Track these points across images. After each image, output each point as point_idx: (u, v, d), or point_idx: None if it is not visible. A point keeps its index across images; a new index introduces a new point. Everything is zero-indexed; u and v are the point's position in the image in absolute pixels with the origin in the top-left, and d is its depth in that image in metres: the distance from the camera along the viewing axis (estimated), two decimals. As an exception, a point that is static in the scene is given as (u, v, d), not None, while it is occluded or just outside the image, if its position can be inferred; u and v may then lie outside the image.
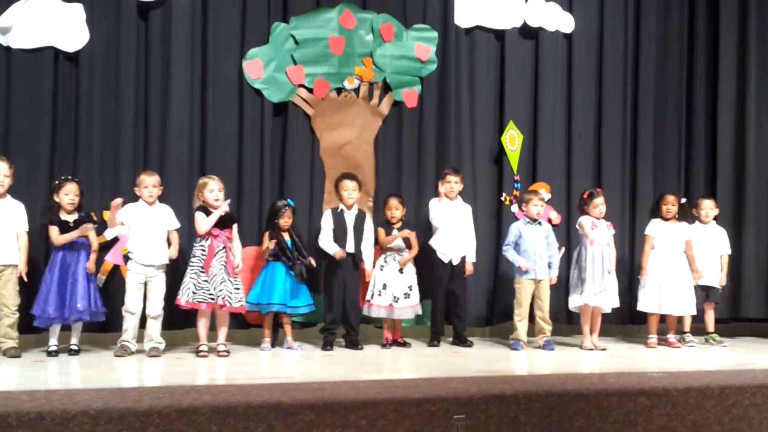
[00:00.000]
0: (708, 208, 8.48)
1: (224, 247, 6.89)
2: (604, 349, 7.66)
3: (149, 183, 6.91)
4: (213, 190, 6.94)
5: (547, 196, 8.50)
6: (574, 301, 7.88)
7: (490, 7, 8.69)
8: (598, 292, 7.70)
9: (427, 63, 8.49)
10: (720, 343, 8.24)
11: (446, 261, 7.79)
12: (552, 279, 7.82)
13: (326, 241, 7.48)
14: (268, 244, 7.24)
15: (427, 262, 7.86)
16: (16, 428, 3.91)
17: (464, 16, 8.64)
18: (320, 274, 7.70)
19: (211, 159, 7.69)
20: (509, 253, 7.75)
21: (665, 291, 8.04)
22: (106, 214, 7.21)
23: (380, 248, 7.76)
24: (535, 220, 7.80)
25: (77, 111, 7.37)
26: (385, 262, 7.64)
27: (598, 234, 7.78)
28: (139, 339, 6.85)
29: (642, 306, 8.14)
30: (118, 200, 6.74)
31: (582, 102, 8.98)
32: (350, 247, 7.49)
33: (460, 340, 7.83)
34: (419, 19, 8.53)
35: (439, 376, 5.77)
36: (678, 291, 8.03)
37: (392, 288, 7.57)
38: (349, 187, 7.54)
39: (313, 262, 7.39)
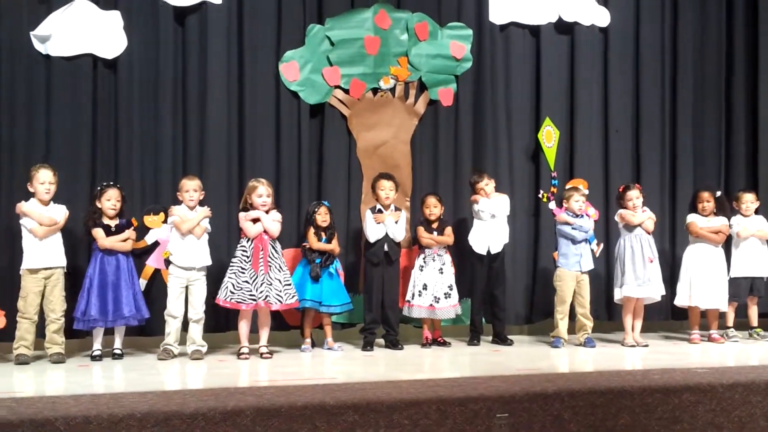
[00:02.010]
0: (749, 201, 8.38)
1: (265, 247, 6.94)
2: (646, 346, 7.61)
3: (190, 187, 6.97)
4: (261, 195, 7.00)
5: (585, 192, 8.42)
6: (617, 294, 7.85)
7: (524, 3, 8.66)
8: (641, 283, 7.66)
9: (463, 61, 8.48)
10: (764, 337, 8.16)
11: (483, 252, 7.77)
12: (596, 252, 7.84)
13: (371, 232, 7.47)
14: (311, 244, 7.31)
15: (465, 261, 7.84)
16: (64, 433, 3.96)
17: (499, 13, 8.61)
18: (359, 274, 7.71)
19: (250, 162, 7.74)
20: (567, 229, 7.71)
21: (697, 285, 7.97)
22: (147, 220, 7.32)
23: (418, 248, 7.76)
24: (577, 216, 7.75)
25: (117, 117, 7.46)
26: (425, 262, 7.64)
27: (641, 214, 7.76)
28: (182, 342, 6.92)
29: (676, 301, 8.10)
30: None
31: (619, 97, 8.92)
32: (387, 246, 7.50)
33: (500, 339, 7.81)
34: (454, 18, 8.51)
35: (480, 375, 5.76)
36: (709, 285, 7.96)
37: (432, 288, 7.57)
38: (386, 187, 7.55)
39: (335, 249, 7.41)
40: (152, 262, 7.37)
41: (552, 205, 8.47)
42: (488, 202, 7.74)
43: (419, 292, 7.58)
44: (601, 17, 8.87)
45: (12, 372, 6.20)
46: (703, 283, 7.96)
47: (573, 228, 7.67)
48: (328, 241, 7.38)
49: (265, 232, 6.96)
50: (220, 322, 7.29)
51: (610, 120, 8.88)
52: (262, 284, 6.84)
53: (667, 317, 8.63)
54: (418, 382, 5.09)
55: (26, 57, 7.19)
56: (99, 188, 6.92)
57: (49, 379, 5.95)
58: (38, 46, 7.21)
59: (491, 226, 7.78)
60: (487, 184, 7.80)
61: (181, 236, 6.89)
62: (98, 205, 6.84)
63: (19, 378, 5.98)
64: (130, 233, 6.92)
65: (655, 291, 7.79)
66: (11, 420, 3.94)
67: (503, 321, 7.92)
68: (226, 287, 6.86)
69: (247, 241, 6.94)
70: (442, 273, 7.63)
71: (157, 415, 4.11)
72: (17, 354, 6.49)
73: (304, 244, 7.38)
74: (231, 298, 6.82)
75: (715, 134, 9.20)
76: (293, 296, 7.02)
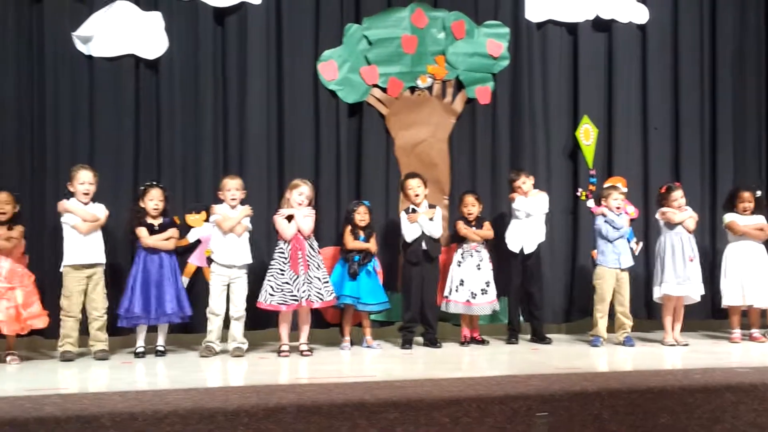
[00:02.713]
0: (787, 199, 8.28)
1: (303, 246, 6.99)
2: (687, 345, 7.56)
3: (232, 186, 7.05)
4: (302, 193, 7.08)
5: (624, 190, 8.38)
6: (657, 292, 7.81)
7: (561, 1, 8.62)
8: (681, 281, 7.62)
9: (500, 59, 8.47)
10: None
11: (516, 251, 7.77)
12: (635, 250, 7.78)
13: (408, 231, 7.48)
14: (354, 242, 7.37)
15: (502, 259, 7.84)
16: (109, 429, 4.01)
17: (535, 11, 8.58)
18: (398, 273, 7.74)
19: (289, 161, 7.80)
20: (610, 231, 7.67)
21: (747, 283, 7.88)
22: (189, 218, 7.41)
23: (456, 244, 7.78)
24: (616, 214, 7.71)
25: (158, 117, 7.55)
26: (463, 258, 7.65)
27: (683, 213, 7.72)
28: (223, 339, 6.99)
29: (726, 301, 7.99)
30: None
31: (657, 94, 8.85)
32: (425, 245, 7.51)
33: (539, 338, 7.80)
34: (490, 16, 8.50)
35: (519, 373, 5.76)
36: (757, 282, 7.87)
37: (469, 284, 7.57)
38: (413, 186, 7.55)
39: (372, 247, 7.45)
40: (194, 260, 7.45)
41: (590, 203, 8.42)
42: (524, 200, 7.74)
43: (456, 287, 7.59)
44: (639, 14, 8.80)
45: (57, 369, 6.32)
46: (752, 280, 7.87)
47: (605, 221, 7.62)
48: (367, 239, 7.42)
49: (298, 230, 7.01)
50: (261, 320, 7.34)
51: (649, 117, 8.81)
52: (303, 284, 6.90)
53: (708, 316, 8.54)
54: (458, 381, 5.09)
55: (69, 58, 7.33)
56: (142, 188, 7.03)
57: (94, 376, 6.06)
58: (80, 46, 7.34)
59: (527, 225, 7.78)
60: (525, 182, 7.80)
61: (223, 235, 6.96)
62: (141, 204, 6.95)
63: (65, 375, 6.10)
64: (172, 232, 7.01)
65: (695, 291, 7.74)
66: (58, 416, 4.02)
67: (540, 319, 7.91)
68: (266, 290, 6.92)
69: (285, 243, 6.99)
70: (479, 269, 7.64)
71: (200, 412, 4.16)
72: (62, 351, 6.61)
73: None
74: (271, 300, 6.89)
75: (755, 131, 9.10)
76: (332, 293, 7.09)
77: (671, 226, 7.75)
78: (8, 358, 6.47)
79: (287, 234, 6.98)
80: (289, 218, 7.03)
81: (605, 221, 7.66)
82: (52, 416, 4.02)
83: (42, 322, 6.67)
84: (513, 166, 8.23)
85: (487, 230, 7.74)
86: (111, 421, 4.05)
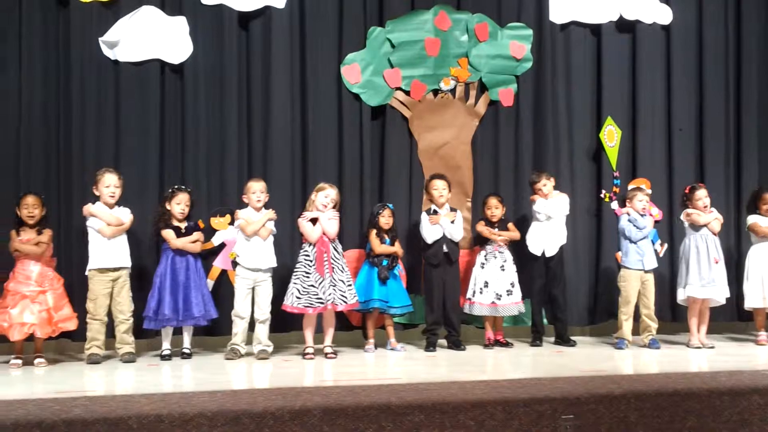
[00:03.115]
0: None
1: (328, 250, 7.00)
2: (712, 347, 7.51)
3: (257, 189, 7.08)
4: (328, 195, 7.09)
5: (648, 191, 8.35)
6: (681, 295, 7.76)
7: (585, 2, 8.59)
8: (705, 283, 7.58)
9: (523, 61, 8.46)
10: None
11: (538, 254, 7.75)
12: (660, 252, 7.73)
13: (428, 233, 7.47)
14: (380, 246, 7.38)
15: (525, 261, 7.83)
16: (136, 431, 4.06)
17: (559, 12, 8.56)
18: (420, 275, 7.75)
19: (312, 164, 7.83)
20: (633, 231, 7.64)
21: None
22: (214, 221, 7.45)
23: (479, 246, 7.77)
24: (641, 216, 7.67)
25: (183, 121, 7.60)
26: (486, 259, 7.64)
27: (708, 215, 7.67)
28: (248, 342, 7.02)
29: (749, 303, 7.94)
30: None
31: (682, 95, 8.80)
32: (446, 247, 7.49)
33: (563, 340, 7.77)
34: (514, 18, 8.50)
35: (544, 376, 5.75)
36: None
37: (494, 285, 7.57)
38: (439, 187, 7.55)
39: (399, 251, 7.48)
40: (219, 263, 7.49)
41: (614, 204, 8.40)
42: (544, 203, 7.71)
43: (480, 289, 7.59)
44: (663, 15, 8.76)
45: (84, 371, 6.37)
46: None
47: (629, 220, 7.59)
48: (391, 243, 7.43)
49: (323, 233, 7.03)
50: (285, 323, 7.38)
51: (673, 119, 8.76)
52: (328, 287, 6.92)
53: (733, 318, 8.48)
54: (482, 383, 5.10)
55: (96, 63, 7.40)
56: (170, 191, 7.06)
57: (121, 378, 6.09)
58: (107, 51, 7.40)
59: (548, 228, 7.75)
60: (545, 184, 7.77)
61: (247, 239, 6.99)
62: (167, 207, 6.99)
63: (92, 377, 6.15)
64: (198, 235, 7.05)
65: (720, 293, 7.68)
66: (86, 419, 4.07)
67: (564, 322, 7.88)
68: (292, 293, 6.94)
69: (310, 246, 7.01)
70: (503, 270, 7.63)
71: (226, 414, 4.19)
72: (89, 354, 6.65)
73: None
74: (297, 303, 6.91)
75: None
76: (355, 296, 7.09)
77: (696, 227, 7.70)
78: (36, 361, 6.54)
79: (312, 237, 7.00)
80: (314, 221, 7.04)
81: (628, 220, 7.62)
82: (79, 419, 4.07)
83: (72, 324, 6.73)
84: (536, 168, 8.20)
85: (513, 231, 7.74)
86: (138, 424, 4.09)
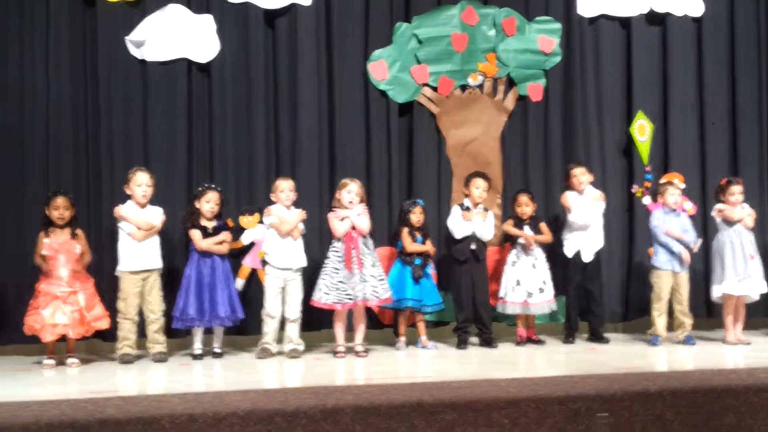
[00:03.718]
0: None
1: (357, 245, 6.97)
2: (749, 343, 7.41)
3: (285, 187, 7.07)
4: (351, 191, 7.05)
5: (681, 186, 8.26)
6: (717, 291, 7.66)
7: (614, -6, 8.54)
8: (741, 279, 7.48)
9: (551, 55, 8.39)
10: None
11: (570, 255, 7.68)
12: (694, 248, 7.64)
13: (459, 228, 7.43)
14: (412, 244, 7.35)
15: (559, 258, 7.76)
16: (169, 430, 4.07)
17: (588, 5, 8.48)
18: (449, 273, 7.71)
19: (340, 161, 7.81)
20: (661, 237, 7.56)
21: None
22: (243, 220, 7.45)
23: (510, 244, 7.72)
24: (673, 210, 7.60)
25: (211, 119, 7.61)
26: (517, 257, 7.59)
27: (741, 210, 7.58)
28: (279, 341, 7.02)
29: None
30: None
31: (714, 88, 8.70)
32: (474, 245, 7.45)
33: (596, 337, 7.70)
34: (541, 12, 8.44)
35: (577, 373, 5.69)
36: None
37: (526, 284, 7.51)
38: (481, 186, 7.52)
39: (431, 249, 7.44)
40: (248, 262, 7.49)
41: (646, 199, 8.32)
42: (579, 214, 7.61)
43: (513, 288, 7.53)
44: (694, 7, 8.66)
45: (117, 371, 6.40)
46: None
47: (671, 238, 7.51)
48: (423, 241, 7.39)
49: (354, 228, 7.00)
50: (315, 321, 7.38)
51: (706, 112, 8.67)
52: (358, 283, 6.89)
53: (768, 314, 8.39)
54: (515, 381, 5.05)
55: (123, 62, 7.42)
56: (200, 189, 7.05)
57: (153, 378, 6.12)
58: (134, 51, 7.42)
59: (584, 233, 7.68)
60: (583, 173, 7.70)
61: (280, 238, 6.98)
62: (197, 205, 6.98)
63: (124, 377, 6.17)
64: (225, 236, 7.03)
65: (756, 289, 7.58)
66: (119, 418, 4.09)
67: (600, 317, 7.81)
68: (320, 288, 6.93)
69: (339, 242, 7.00)
70: (535, 268, 7.57)
71: (259, 413, 4.20)
72: (121, 354, 6.68)
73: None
74: (326, 299, 6.89)
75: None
76: (388, 290, 7.06)
77: (730, 223, 7.60)
78: (69, 361, 6.57)
79: (339, 232, 6.97)
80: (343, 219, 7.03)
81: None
82: (113, 418, 4.09)
83: (105, 323, 6.74)
84: (566, 163, 8.15)
85: (546, 234, 7.67)
86: (171, 423, 4.10)
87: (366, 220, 7.06)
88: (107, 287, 6.88)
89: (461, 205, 7.55)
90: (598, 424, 4.49)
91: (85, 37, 7.41)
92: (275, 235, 6.99)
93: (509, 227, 7.64)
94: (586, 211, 7.66)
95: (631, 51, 8.59)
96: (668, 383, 4.77)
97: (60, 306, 6.53)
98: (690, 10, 8.64)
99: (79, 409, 4.20)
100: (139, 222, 6.79)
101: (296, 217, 7.02)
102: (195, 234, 6.93)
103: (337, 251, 6.97)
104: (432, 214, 7.87)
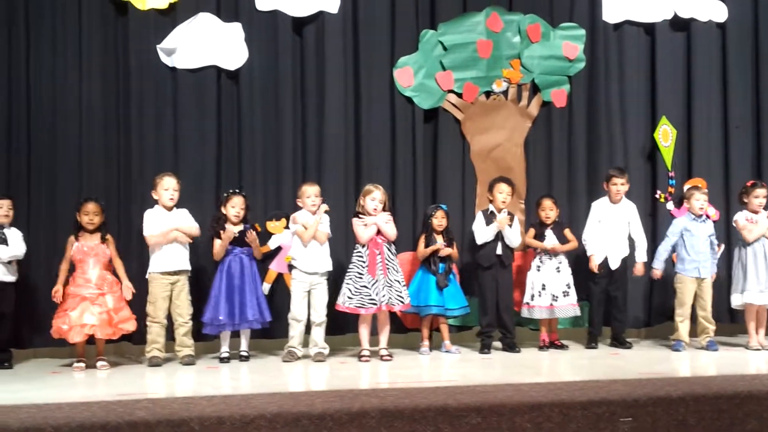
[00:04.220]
0: None
1: (381, 251, 7.04)
2: (772, 349, 7.41)
3: (311, 193, 7.14)
4: (375, 198, 7.10)
5: (705, 191, 8.26)
6: (736, 300, 7.65)
7: (638, 1, 8.52)
8: (763, 289, 7.46)
9: (575, 61, 8.42)
10: None
11: (598, 262, 7.68)
12: (712, 276, 7.62)
13: (481, 233, 7.46)
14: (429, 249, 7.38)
15: (584, 263, 7.78)
16: (198, 433, 4.14)
17: (612, 12, 8.50)
18: (472, 277, 7.75)
19: (366, 167, 7.89)
20: (662, 246, 7.61)
21: None
22: (270, 225, 7.54)
23: (533, 250, 7.75)
24: (699, 216, 7.61)
25: (239, 126, 7.70)
26: (541, 262, 7.62)
27: (759, 227, 7.53)
28: (304, 344, 7.09)
29: None
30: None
31: (738, 93, 8.68)
32: (500, 250, 7.48)
33: (619, 342, 7.71)
34: (566, 18, 8.46)
35: (601, 378, 5.72)
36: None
37: (551, 288, 7.55)
38: (504, 191, 7.53)
39: (454, 252, 7.47)
40: (275, 267, 7.57)
41: (670, 205, 8.33)
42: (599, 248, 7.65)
43: (539, 292, 7.57)
44: (719, 12, 8.66)
45: (145, 374, 6.49)
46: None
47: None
48: (449, 245, 7.43)
49: (379, 233, 7.06)
50: (341, 325, 7.44)
51: (730, 117, 8.65)
52: (383, 287, 6.96)
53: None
54: (539, 385, 5.10)
55: (154, 69, 7.52)
56: (225, 195, 7.15)
57: (181, 381, 6.20)
58: (164, 59, 7.52)
59: (611, 241, 7.69)
60: (624, 184, 7.71)
61: (304, 244, 7.07)
62: (224, 211, 7.08)
63: (153, 380, 6.27)
64: (225, 237, 7.01)
65: None
66: (149, 420, 4.16)
67: (623, 322, 7.82)
68: (344, 293, 7.00)
69: (363, 247, 7.06)
70: (559, 272, 7.60)
71: (286, 416, 4.26)
72: (150, 357, 6.78)
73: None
74: (350, 303, 6.96)
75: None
76: (408, 297, 7.12)
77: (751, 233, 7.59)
78: (98, 364, 6.67)
79: (362, 238, 7.04)
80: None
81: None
82: (143, 420, 4.16)
83: (131, 325, 6.83)
84: (590, 169, 8.22)
85: (572, 242, 7.69)
86: (200, 425, 4.17)
87: (393, 227, 7.13)
88: (136, 292, 6.96)
89: (485, 212, 7.58)
90: (622, 429, 4.52)
91: (117, 44, 7.52)
92: (301, 240, 7.08)
93: (531, 240, 7.66)
94: (610, 216, 7.67)
95: (655, 57, 8.60)
96: (691, 389, 4.80)
97: (88, 307, 6.63)
98: (714, 16, 8.64)
99: (109, 411, 4.29)
100: (162, 230, 6.87)
101: (315, 219, 7.04)
102: (215, 245, 7.01)
103: (361, 256, 7.04)
104: (456, 220, 7.91)
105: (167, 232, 6.87)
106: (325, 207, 7.11)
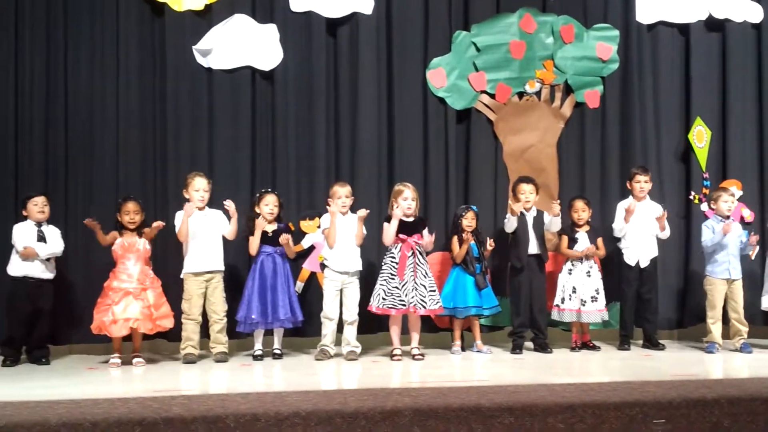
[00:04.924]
0: None
1: (413, 253, 7.06)
2: (807, 352, 7.36)
3: (342, 194, 7.19)
4: (407, 198, 7.12)
5: (739, 193, 8.22)
6: (766, 302, 7.61)
7: (673, 1, 8.47)
8: (795, 292, 7.42)
9: (609, 62, 8.39)
10: None
11: (632, 264, 7.66)
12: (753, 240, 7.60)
13: (508, 223, 7.46)
14: (460, 249, 7.38)
15: (615, 265, 7.76)
16: (234, 429, 4.19)
17: (646, 12, 8.45)
18: (505, 277, 7.75)
19: (399, 167, 7.91)
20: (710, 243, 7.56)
21: None
22: (303, 225, 7.59)
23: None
24: (727, 218, 7.56)
25: (274, 126, 7.77)
26: (573, 265, 7.60)
27: None
28: (337, 343, 7.14)
29: None
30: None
31: (773, 94, 8.62)
32: (533, 249, 7.49)
33: (651, 343, 7.68)
34: (600, 19, 8.43)
35: (634, 379, 5.71)
36: None
37: (580, 292, 7.53)
38: (526, 191, 7.52)
39: (490, 245, 7.48)
40: (308, 266, 7.63)
41: (704, 206, 8.27)
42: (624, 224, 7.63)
43: (569, 295, 7.56)
44: (754, 13, 8.58)
45: (180, 370, 6.57)
46: None
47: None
48: (478, 247, 7.42)
49: (412, 235, 7.08)
50: (373, 324, 7.48)
51: (765, 119, 8.57)
52: (411, 290, 6.98)
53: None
54: (572, 386, 5.09)
55: (190, 70, 7.61)
56: (258, 194, 7.23)
57: (215, 378, 6.28)
58: (200, 59, 7.61)
59: (641, 240, 7.67)
60: (647, 182, 7.69)
61: (337, 242, 7.10)
62: (257, 210, 7.14)
63: (187, 376, 6.34)
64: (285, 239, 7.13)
65: None
66: (185, 417, 4.21)
67: (655, 324, 7.79)
68: (378, 294, 7.03)
69: (396, 248, 7.09)
70: (589, 276, 7.58)
71: (320, 414, 4.29)
72: (185, 354, 6.86)
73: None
74: (383, 305, 6.99)
75: None
76: (437, 302, 7.10)
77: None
78: (134, 361, 6.76)
79: (387, 240, 7.08)
80: (401, 227, 7.08)
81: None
82: (179, 417, 4.21)
83: (169, 322, 6.92)
84: (623, 170, 8.15)
85: (601, 250, 7.67)
86: (235, 422, 4.21)
87: (429, 240, 7.18)
88: (173, 289, 7.06)
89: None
90: (655, 431, 4.51)
91: (153, 45, 7.62)
92: (335, 239, 7.11)
93: (566, 251, 7.63)
94: (637, 215, 7.64)
95: (689, 57, 8.53)
96: (725, 391, 4.77)
97: (132, 301, 6.73)
98: (749, 17, 8.56)
99: (146, 407, 4.34)
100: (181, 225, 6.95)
101: (333, 229, 7.08)
102: (252, 243, 7.09)
103: (393, 257, 7.06)
104: (488, 221, 7.92)
105: (185, 217, 6.92)
106: (363, 212, 7.11)
